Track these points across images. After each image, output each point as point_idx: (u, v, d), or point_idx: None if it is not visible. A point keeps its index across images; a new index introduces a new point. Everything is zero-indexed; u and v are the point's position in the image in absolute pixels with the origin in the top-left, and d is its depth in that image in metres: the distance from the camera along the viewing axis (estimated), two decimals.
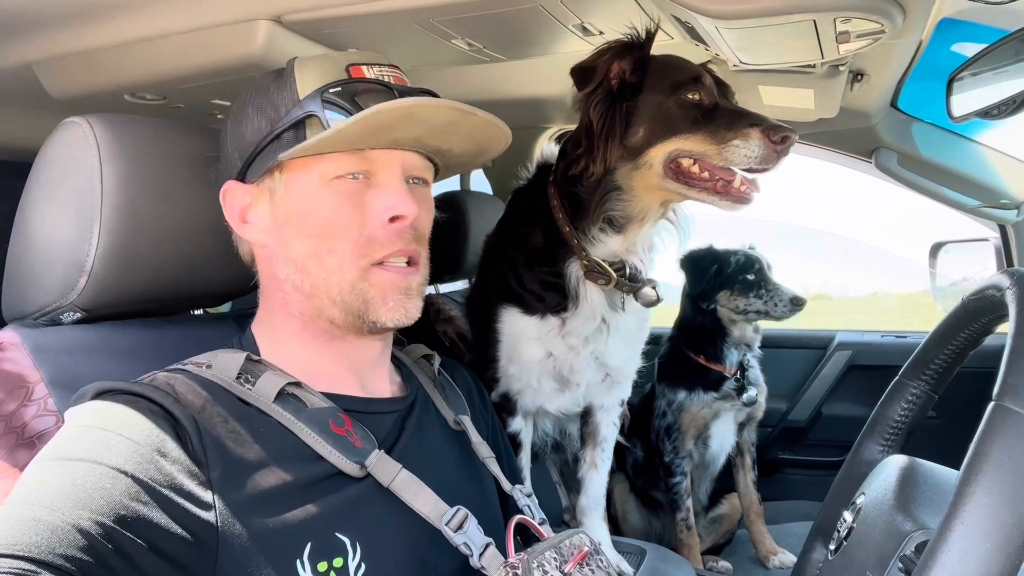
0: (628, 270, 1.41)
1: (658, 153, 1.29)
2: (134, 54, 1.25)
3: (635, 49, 1.30)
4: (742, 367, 2.21)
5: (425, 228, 1.00)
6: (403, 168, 0.95)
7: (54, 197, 0.96)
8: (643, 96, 1.30)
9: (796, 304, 2.15)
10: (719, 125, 1.24)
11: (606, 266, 1.39)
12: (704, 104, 1.28)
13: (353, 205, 0.92)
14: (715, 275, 2.20)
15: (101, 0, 1.11)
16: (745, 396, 2.18)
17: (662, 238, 1.51)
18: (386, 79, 0.95)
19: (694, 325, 2.25)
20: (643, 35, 1.29)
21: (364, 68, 0.94)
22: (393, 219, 0.92)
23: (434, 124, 0.91)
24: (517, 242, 1.51)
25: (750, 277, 2.19)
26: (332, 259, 0.92)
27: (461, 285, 2.33)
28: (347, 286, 0.92)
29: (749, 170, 1.25)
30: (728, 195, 1.26)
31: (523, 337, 1.48)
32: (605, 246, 1.40)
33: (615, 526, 2.35)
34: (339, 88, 0.91)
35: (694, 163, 1.28)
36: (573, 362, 1.48)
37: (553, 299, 1.45)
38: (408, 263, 0.96)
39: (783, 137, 1.20)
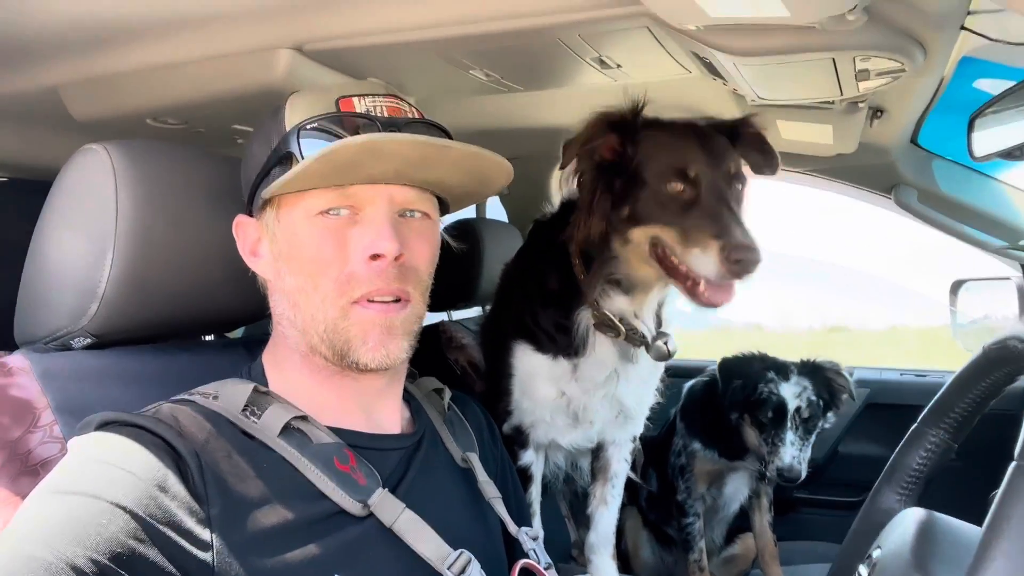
0: (637, 331, 1.39)
1: (642, 235, 1.26)
2: (157, 79, 1.27)
3: (624, 125, 1.27)
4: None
5: (419, 263, 0.96)
6: (391, 202, 0.93)
7: (69, 222, 0.97)
8: (633, 174, 1.27)
9: (783, 477, 1.89)
10: (691, 226, 1.19)
11: (615, 320, 1.37)
12: (686, 197, 1.22)
13: (336, 242, 0.90)
14: (737, 391, 1.97)
15: (126, 26, 1.13)
16: (767, 479, 2.04)
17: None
18: (377, 111, 0.93)
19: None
20: (635, 108, 1.27)
21: (355, 100, 0.93)
22: (374, 257, 0.90)
23: (407, 158, 0.88)
24: (534, 279, 1.49)
25: (762, 419, 1.92)
26: (317, 296, 0.91)
27: (474, 312, 2.32)
28: (330, 324, 0.91)
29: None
30: (696, 296, 1.21)
31: (536, 375, 1.47)
32: (614, 302, 1.38)
33: (626, 562, 2.31)
34: (316, 123, 0.90)
35: (672, 254, 1.23)
36: (587, 403, 1.47)
37: (565, 342, 1.43)
38: (397, 300, 0.93)
39: (738, 261, 1.12)
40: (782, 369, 1.96)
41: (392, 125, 0.92)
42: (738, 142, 1.34)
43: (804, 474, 1.90)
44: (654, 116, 1.32)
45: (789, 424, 1.91)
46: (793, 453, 1.89)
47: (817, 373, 1.97)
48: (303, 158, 0.87)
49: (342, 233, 0.91)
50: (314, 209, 0.90)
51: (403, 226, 0.94)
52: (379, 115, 0.93)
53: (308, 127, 0.90)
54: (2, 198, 1.98)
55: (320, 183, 0.89)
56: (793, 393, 1.92)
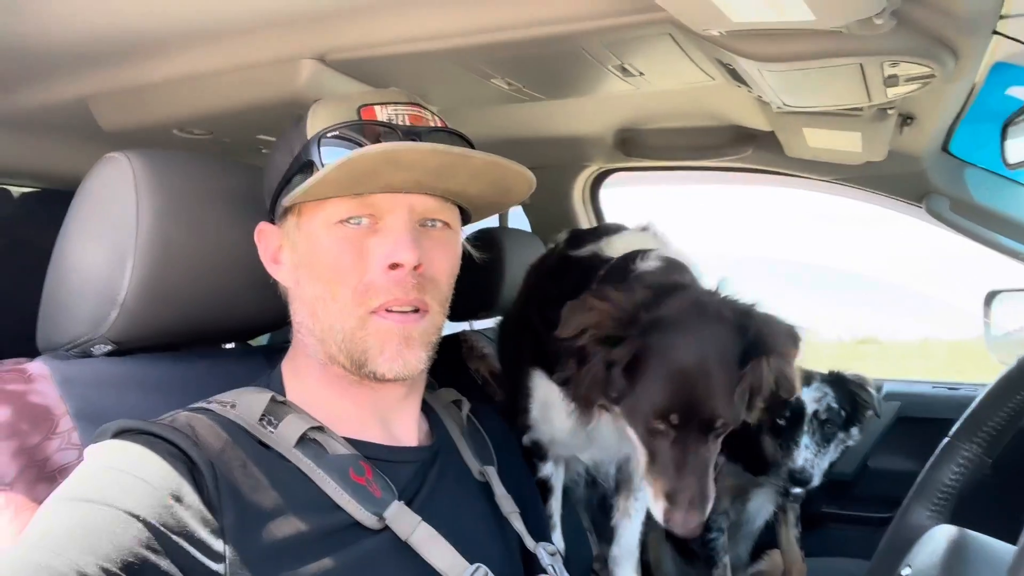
0: None
1: (627, 423, 1.22)
2: (183, 90, 1.29)
3: (623, 328, 1.16)
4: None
5: (439, 273, 0.95)
6: (411, 212, 0.92)
7: (91, 230, 0.98)
8: (626, 370, 1.16)
9: (794, 480, 1.84)
10: (657, 461, 1.15)
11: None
12: (664, 433, 1.15)
13: (355, 251, 0.90)
14: None
15: (153, 39, 1.14)
16: (791, 495, 1.97)
17: None
18: (399, 119, 0.93)
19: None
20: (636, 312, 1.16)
21: (377, 108, 0.92)
22: (393, 266, 0.89)
23: (427, 168, 0.88)
24: (554, 308, 1.37)
25: (780, 422, 1.86)
26: (335, 305, 0.90)
27: (496, 322, 2.31)
28: (348, 333, 0.90)
29: None
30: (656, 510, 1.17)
31: (553, 404, 1.43)
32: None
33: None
34: (337, 131, 0.90)
35: None
36: (606, 431, 1.43)
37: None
38: (415, 310, 0.92)
39: (673, 526, 1.10)
40: (806, 376, 1.92)
41: (413, 134, 0.91)
42: (763, 353, 1.19)
43: (816, 480, 1.86)
44: (668, 311, 1.17)
45: (805, 428, 1.87)
46: (807, 456, 1.84)
47: (842, 384, 1.93)
48: (323, 166, 0.87)
49: (361, 242, 0.90)
50: (334, 218, 0.90)
51: (423, 236, 0.93)
52: (400, 123, 0.92)
53: (329, 135, 0.89)
54: (34, 208, 2.03)
55: (339, 191, 0.89)
56: (812, 397, 1.88)
